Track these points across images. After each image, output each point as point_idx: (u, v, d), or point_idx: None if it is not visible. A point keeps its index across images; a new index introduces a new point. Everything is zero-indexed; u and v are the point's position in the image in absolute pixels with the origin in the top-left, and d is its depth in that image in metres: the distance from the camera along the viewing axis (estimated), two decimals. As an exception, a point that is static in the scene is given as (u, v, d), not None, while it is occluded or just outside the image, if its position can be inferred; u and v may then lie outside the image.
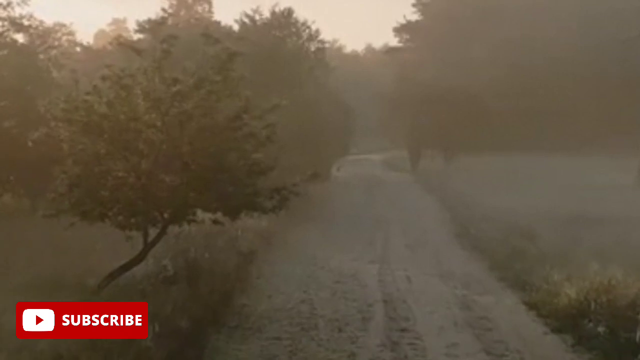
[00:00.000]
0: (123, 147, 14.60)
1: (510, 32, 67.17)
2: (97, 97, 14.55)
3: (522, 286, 18.08)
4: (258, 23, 33.18)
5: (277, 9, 33.66)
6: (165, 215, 15.11)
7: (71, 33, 46.40)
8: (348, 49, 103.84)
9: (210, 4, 78.06)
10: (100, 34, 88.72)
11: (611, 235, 22.83)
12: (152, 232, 15.50)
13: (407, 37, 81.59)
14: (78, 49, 47.03)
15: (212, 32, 15.48)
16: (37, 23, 28.42)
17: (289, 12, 33.19)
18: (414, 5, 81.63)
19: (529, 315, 15.79)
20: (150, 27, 31.05)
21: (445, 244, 24.95)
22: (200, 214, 15.61)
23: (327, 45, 54.38)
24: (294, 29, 45.24)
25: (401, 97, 59.68)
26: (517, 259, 20.62)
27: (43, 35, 29.50)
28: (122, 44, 15.87)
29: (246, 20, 33.65)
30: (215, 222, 15.49)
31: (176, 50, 15.85)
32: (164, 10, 37.27)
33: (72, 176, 14.79)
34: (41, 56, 28.11)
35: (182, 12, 70.72)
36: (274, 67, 29.86)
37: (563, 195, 34.31)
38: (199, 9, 73.72)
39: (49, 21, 46.35)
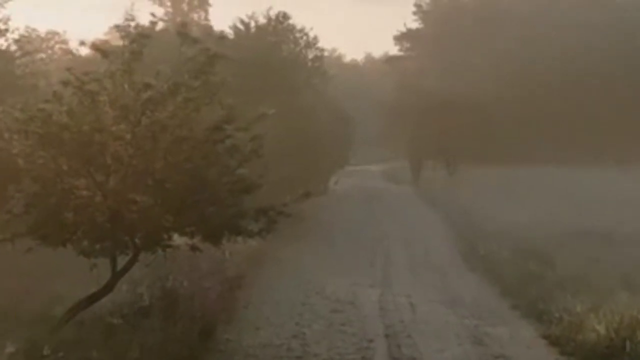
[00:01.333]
0: (87, 163, 12.67)
1: (513, 39, 65.80)
2: (57, 105, 12.64)
3: (538, 316, 16.23)
4: (252, 28, 31.28)
5: (271, 13, 31.80)
6: (137, 241, 13.18)
7: (64, 42, 44.51)
8: (347, 58, 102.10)
9: (206, 11, 76.53)
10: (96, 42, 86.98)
11: (632, 257, 20.98)
12: (123, 259, 13.58)
13: (408, 45, 79.96)
14: (70, 57, 45.21)
15: (190, 32, 13.48)
16: (15, 27, 26.49)
17: (284, 16, 31.33)
18: (414, 13, 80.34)
19: (551, 353, 13.92)
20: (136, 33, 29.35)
21: (452, 265, 23.05)
22: (177, 238, 13.67)
23: (325, 52, 52.70)
24: (291, 36, 43.49)
25: (402, 106, 57.95)
26: (531, 284, 18.77)
27: (22, 41, 27.57)
28: (92, 48, 13.97)
29: (240, 26, 31.83)
30: (193, 248, 13.56)
31: (156, 54, 14.05)
32: (152, 15, 35.38)
33: (29, 195, 12.89)
34: (18, 62, 26.19)
35: (178, 20, 69.08)
36: (268, 73, 28.05)
37: (574, 209, 32.44)
38: (195, 16, 72.06)
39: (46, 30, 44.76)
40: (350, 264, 22.81)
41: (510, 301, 18.06)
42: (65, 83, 12.69)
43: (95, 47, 12.96)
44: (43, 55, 38.53)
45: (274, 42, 30.91)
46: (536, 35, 64.78)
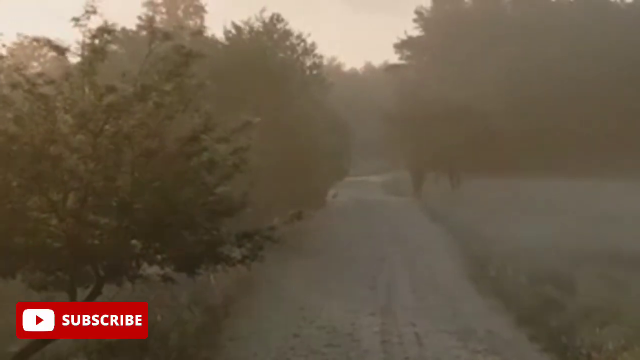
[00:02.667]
0: (40, 179, 10.73)
1: (516, 47, 64.41)
2: (4, 111, 10.71)
3: (562, 352, 14.30)
4: (244, 32, 29.37)
5: (264, 15, 29.79)
6: (99, 271, 11.24)
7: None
8: (347, 67, 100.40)
9: (202, 18, 75.11)
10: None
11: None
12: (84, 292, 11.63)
13: (408, 53, 78.65)
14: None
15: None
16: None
17: (277, 19, 29.34)
18: (415, 20, 78.90)
19: (582, 401, 11.97)
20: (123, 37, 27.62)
21: (460, 289, 21.07)
22: (148, 267, 11.72)
23: (324, 61, 50.92)
24: (287, 42, 41.77)
25: (402, 115, 56.19)
26: (550, 312, 16.82)
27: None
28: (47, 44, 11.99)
29: (231, 29, 29.98)
30: (165, 279, 11.61)
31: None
32: (139, 18, 33.51)
33: (-28, 217, 10.95)
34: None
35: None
36: (259, 79, 26.17)
37: (588, 225, 30.47)
38: (191, 23, 70.40)
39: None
40: (348, 287, 20.86)
41: (528, 332, 16.13)
42: (14, 85, 10.76)
43: (47, 42, 10.99)
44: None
45: (267, 46, 29.02)
46: (540, 43, 63.59)
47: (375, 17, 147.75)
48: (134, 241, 11.19)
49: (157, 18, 68.11)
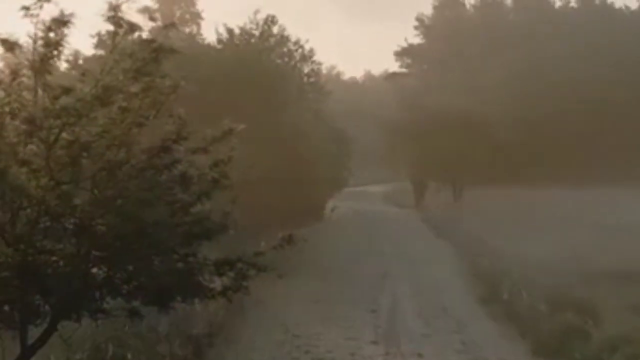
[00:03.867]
0: (-19, 196, 9.06)
1: (520, 54, 63.17)
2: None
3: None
4: (237, 35, 27.61)
5: (259, 17, 28.01)
6: (54, 304, 9.55)
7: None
8: (346, 75, 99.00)
9: (199, 25, 73.78)
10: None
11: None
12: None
13: (409, 61, 77.49)
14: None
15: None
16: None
17: (272, 20, 27.53)
18: (416, 28, 77.70)
19: None
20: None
21: (469, 312, 19.33)
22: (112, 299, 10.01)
23: (323, 70, 49.35)
24: (284, 48, 40.20)
25: (403, 124, 54.86)
26: (571, 341, 15.10)
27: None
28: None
29: (224, 33, 28.31)
30: (132, 313, 9.89)
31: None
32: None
33: None
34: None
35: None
36: (253, 85, 24.49)
37: (601, 238, 28.74)
38: (187, 30, 68.93)
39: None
40: (347, 310, 19.11)
41: (547, 364, 14.44)
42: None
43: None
44: None
45: (261, 49, 27.31)
46: (544, 50, 62.39)
47: (374, 26, 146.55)
48: (95, 270, 9.50)
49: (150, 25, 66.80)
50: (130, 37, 9.45)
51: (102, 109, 9.26)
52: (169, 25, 9.53)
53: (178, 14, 74.80)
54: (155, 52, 9.38)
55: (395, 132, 55.36)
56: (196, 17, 73.68)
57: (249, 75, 25.27)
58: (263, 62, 27.14)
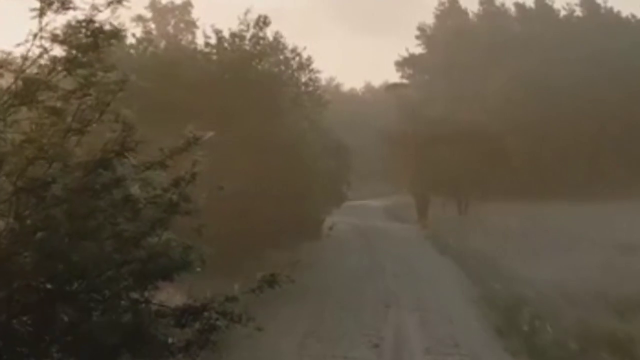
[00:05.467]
0: None
1: (525, 63, 61.34)
2: None
3: None
4: (226, 39, 25.35)
5: (249, 17, 25.71)
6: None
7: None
8: (346, 87, 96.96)
9: (193, 34, 71.91)
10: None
11: None
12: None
13: (410, 71, 75.78)
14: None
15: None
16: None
17: (264, 22, 25.24)
18: (417, 37, 75.94)
19: None
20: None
21: (485, 347, 17.02)
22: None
23: (322, 80, 47.20)
24: (281, 57, 38.02)
25: (405, 136, 52.88)
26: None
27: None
28: None
29: (212, 35, 26.09)
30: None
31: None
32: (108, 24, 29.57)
33: None
34: None
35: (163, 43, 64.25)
36: (242, 92, 22.22)
37: (619, 260, 26.47)
38: (181, 39, 67.01)
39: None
40: (347, 345, 16.83)
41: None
42: None
43: None
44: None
45: (252, 53, 24.96)
46: (550, 61, 60.62)
47: (375, 40, 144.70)
48: (14, 321, 7.25)
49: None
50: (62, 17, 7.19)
51: (22, 109, 7.02)
52: (115, 1, 7.27)
53: (172, 22, 73.05)
54: (93, 36, 7.14)
55: (397, 143, 53.47)
56: (191, 25, 71.65)
57: (238, 81, 23.06)
58: (254, 67, 24.89)
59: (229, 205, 16.71)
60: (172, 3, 71.91)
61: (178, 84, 21.94)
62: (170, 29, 70.84)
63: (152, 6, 70.77)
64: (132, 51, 24.00)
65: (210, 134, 7.96)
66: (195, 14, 71.86)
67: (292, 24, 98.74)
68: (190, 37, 69.62)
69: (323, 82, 56.24)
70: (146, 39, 26.01)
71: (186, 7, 71.93)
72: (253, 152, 21.75)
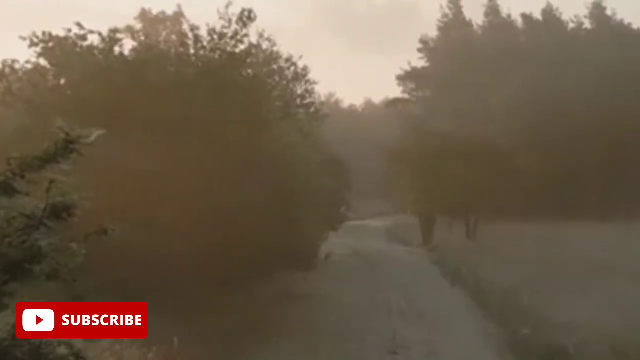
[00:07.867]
0: None
1: (533, 78, 58.85)
2: None
3: None
4: (204, 38, 21.96)
5: (230, 11, 22.15)
6: None
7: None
8: (346, 103, 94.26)
9: (187, 46, 69.12)
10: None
11: None
12: None
13: (412, 86, 73.55)
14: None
15: None
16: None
17: (249, 17, 21.59)
18: (419, 50, 73.61)
19: None
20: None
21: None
22: None
23: (317, 86, 43.97)
24: (275, 66, 34.97)
25: (408, 153, 50.29)
26: None
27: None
28: None
29: (188, 34, 22.73)
30: None
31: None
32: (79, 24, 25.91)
33: None
34: None
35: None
36: (221, 99, 18.74)
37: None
38: (172, 50, 64.16)
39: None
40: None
41: None
42: None
43: None
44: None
45: (233, 53, 21.37)
46: (559, 74, 58.26)
47: (374, 56, 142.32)
48: None
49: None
50: None
51: None
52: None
53: (164, 34, 70.16)
54: None
55: (399, 161, 50.71)
56: (183, 37, 68.64)
57: (218, 86, 19.61)
58: (236, 69, 21.39)
59: (208, 231, 13.93)
60: (163, 14, 69.27)
61: (146, 90, 18.55)
62: (161, 40, 68.02)
63: (142, 17, 67.98)
64: (95, 52, 20.70)
65: (98, 132, 4.50)
66: (192, 20, 68.95)
67: (292, 40, 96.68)
68: (182, 49, 66.94)
69: (322, 99, 53.46)
70: (113, 38, 22.64)
71: (178, 17, 68.98)
72: (233, 170, 18.26)
